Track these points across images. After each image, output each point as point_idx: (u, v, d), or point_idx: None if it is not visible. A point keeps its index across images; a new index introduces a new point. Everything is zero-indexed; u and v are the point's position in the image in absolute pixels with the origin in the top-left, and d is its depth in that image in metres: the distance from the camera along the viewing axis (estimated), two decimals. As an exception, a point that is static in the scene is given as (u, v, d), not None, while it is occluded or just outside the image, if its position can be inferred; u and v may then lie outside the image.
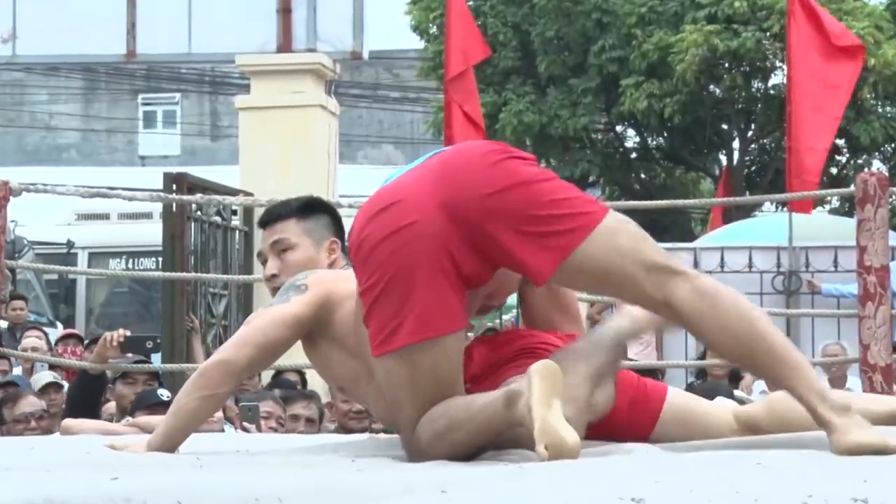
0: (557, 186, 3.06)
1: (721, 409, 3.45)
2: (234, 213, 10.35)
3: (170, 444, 3.29)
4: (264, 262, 3.61)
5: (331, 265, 3.53)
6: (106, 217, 15.83)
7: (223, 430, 6.18)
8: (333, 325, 3.33)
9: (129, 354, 6.63)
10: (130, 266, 14.92)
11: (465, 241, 3.01)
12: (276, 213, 3.62)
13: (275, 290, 3.49)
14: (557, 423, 2.83)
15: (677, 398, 3.36)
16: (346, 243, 3.40)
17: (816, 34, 9.23)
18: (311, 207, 3.63)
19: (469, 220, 3.00)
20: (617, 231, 3.02)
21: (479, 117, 9.61)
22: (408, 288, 3.00)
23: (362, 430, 5.73)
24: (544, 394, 2.84)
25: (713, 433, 3.29)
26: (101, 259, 15.09)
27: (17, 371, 8.25)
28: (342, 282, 3.34)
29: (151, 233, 15.01)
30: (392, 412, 3.17)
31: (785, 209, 11.98)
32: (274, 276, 3.55)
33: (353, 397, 3.52)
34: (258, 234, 12.03)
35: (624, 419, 3.24)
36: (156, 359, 7.86)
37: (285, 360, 8.28)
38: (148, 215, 15.48)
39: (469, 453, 3.04)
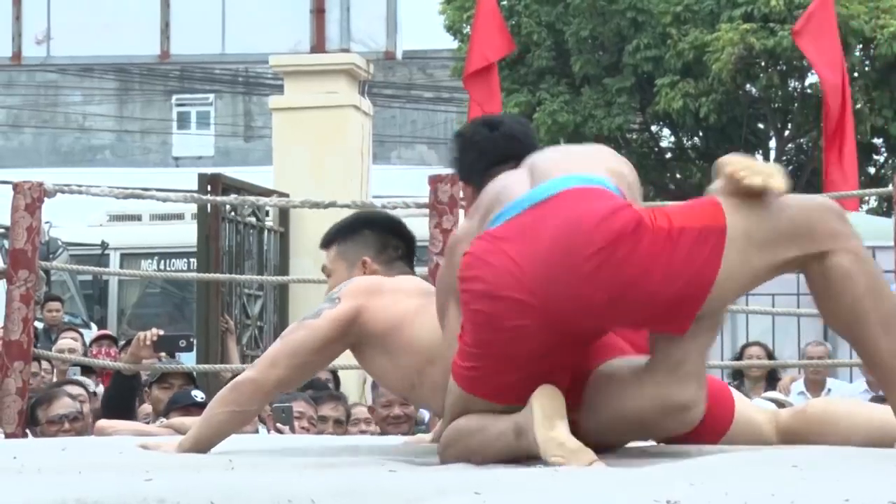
0: (659, 242, 2.91)
1: (760, 410, 3.41)
2: (268, 213, 10.36)
3: (198, 451, 3.40)
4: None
5: None
6: (138, 218, 15.88)
7: (257, 432, 6.18)
8: (374, 337, 3.39)
9: (163, 355, 6.64)
10: (162, 267, 14.96)
11: (576, 342, 3.01)
12: (324, 240, 3.79)
13: None
14: (563, 438, 2.86)
15: (740, 404, 3.33)
16: (391, 252, 3.68)
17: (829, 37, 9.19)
18: (352, 227, 3.72)
19: (582, 329, 2.99)
20: (741, 231, 2.93)
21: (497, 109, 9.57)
22: (503, 366, 3.01)
23: (401, 435, 5.71)
24: (546, 417, 2.89)
25: (752, 434, 3.26)
26: (133, 260, 15.14)
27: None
28: (376, 296, 3.39)
29: (183, 234, 15.05)
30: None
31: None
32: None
33: (416, 402, 3.60)
34: (293, 234, 12.11)
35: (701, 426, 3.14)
36: (189, 358, 7.87)
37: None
38: (180, 216, 15.51)
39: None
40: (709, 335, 3.05)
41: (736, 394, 3.41)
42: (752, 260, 2.93)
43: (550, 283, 2.92)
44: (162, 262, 15.30)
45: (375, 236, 3.67)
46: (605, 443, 3.06)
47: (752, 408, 3.40)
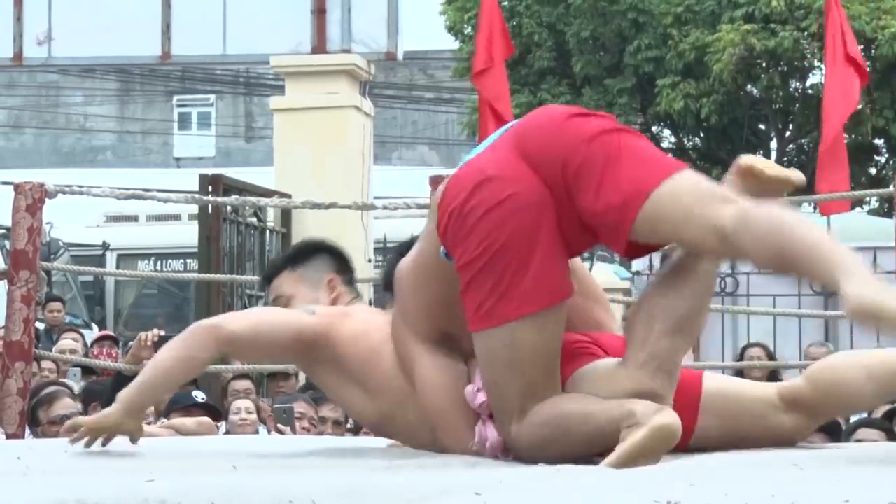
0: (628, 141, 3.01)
1: (763, 386, 3.38)
2: (269, 214, 10.36)
3: (140, 399, 3.30)
4: None
5: (334, 301, 3.52)
6: (135, 219, 15.88)
7: (257, 432, 6.18)
8: (346, 364, 3.30)
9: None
10: (159, 268, 14.97)
11: (561, 205, 2.99)
12: (270, 272, 3.68)
13: None
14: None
15: (712, 382, 3.28)
16: (349, 275, 3.61)
17: (842, 38, 9.19)
18: (301, 253, 3.64)
19: (557, 182, 2.97)
20: (685, 182, 2.99)
21: (509, 116, 9.59)
22: (517, 259, 2.96)
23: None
24: (648, 449, 2.88)
25: (757, 412, 3.22)
26: (130, 261, 15.15)
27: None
28: (348, 320, 3.34)
29: (180, 234, 15.09)
30: (491, 395, 3.08)
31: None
32: None
33: (383, 434, 3.41)
34: (295, 235, 12.12)
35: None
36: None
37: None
38: (177, 217, 15.52)
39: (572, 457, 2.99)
40: (682, 338, 3.07)
41: (721, 377, 3.41)
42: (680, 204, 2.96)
43: (523, 151, 2.99)
44: (159, 262, 15.31)
45: (332, 258, 3.62)
46: None
47: (747, 386, 3.35)
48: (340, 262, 3.62)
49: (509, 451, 3.13)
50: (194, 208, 14.32)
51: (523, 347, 2.99)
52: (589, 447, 2.98)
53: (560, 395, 3.05)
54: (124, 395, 3.29)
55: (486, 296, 2.98)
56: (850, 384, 3.11)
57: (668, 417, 2.90)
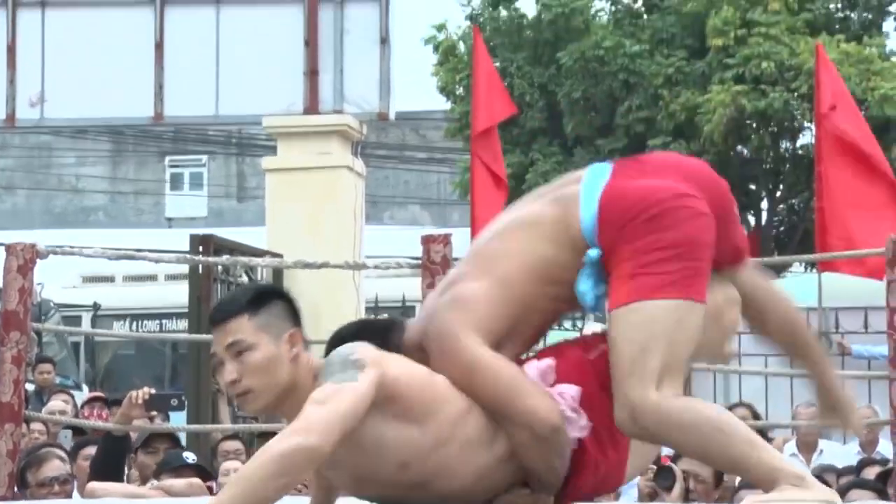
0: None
1: None
2: (260, 274, 10.34)
3: None
4: (219, 366, 3.30)
5: (293, 359, 3.26)
6: (111, 279, 15.85)
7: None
8: (403, 400, 3.21)
9: (155, 413, 6.60)
10: (134, 328, 14.91)
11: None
12: (226, 311, 3.31)
13: (238, 397, 3.27)
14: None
15: None
16: (302, 328, 3.37)
17: (845, 107, 9.21)
18: (261, 298, 3.31)
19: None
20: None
21: (503, 175, 9.61)
22: (706, 261, 3.27)
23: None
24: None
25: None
26: (105, 321, 15.10)
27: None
28: (387, 358, 3.25)
29: (156, 295, 15.09)
30: (626, 355, 3.20)
31: (814, 270, 11.90)
32: (235, 381, 3.25)
33: (420, 472, 3.24)
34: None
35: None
36: (179, 417, 7.82)
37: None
38: (153, 277, 15.51)
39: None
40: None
41: None
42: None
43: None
44: (134, 323, 15.26)
45: (288, 310, 3.33)
46: None
47: None
48: (296, 314, 3.35)
49: (582, 411, 3.26)
50: (172, 268, 14.37)
51: (687, 327, 3.22)
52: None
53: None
54: None
55: (675, 273, 3.21)
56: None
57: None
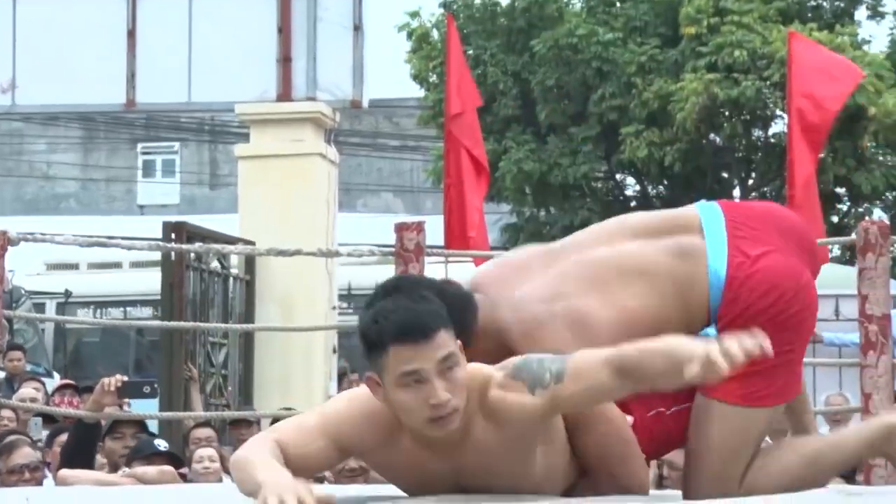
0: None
1: None
2: (233, 261, 10.33)
3: None
4: (420, 383, 3.00)
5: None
6: (75, 267, 15.79)
7: (221, 480, 6.13)
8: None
9: (127, 401, 6.57)
10: (98, 316, 14.86)
11: None
12: (434, 323, 3.01)
13: (443, 419, 3.00)
14: None
15: None
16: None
17: (816, 74, 9.21)
18: (454, 310, 3.12)
19: None
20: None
21: (484, 161, 9.61)
22: (803, 353, 3.41)
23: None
24: None
25: None
26: (70, 309, 15.04)
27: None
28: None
29: (121, 282, 15.06)
30: (721, 463, 3.31)
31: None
32: (448, 400, 3.00)
33: (549, 487, 3.24)
34: (259, 282, 11.96)
35: None
36: (152, 405, 7.79)
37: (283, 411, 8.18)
38: (117, 265, 15.47)
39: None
40: None
41: None
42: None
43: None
44: (98, 310, 15.21)
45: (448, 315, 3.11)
46: None
47: None
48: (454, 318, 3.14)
49: None
50: (137, 256, 14.34)
51: (762, 430, 3.37)
52: (843, 465, 3.52)
53: (778, 446, 3.47)
54: None
55: (782, 380, 3.33)
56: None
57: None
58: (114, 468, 5.89)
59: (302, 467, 2.99)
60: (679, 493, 3.43)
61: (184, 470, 5.97)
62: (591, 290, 3.29)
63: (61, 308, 14.72)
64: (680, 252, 3.33)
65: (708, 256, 3.31)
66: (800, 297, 3.31)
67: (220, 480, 6.14)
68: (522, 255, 3.52)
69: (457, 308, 3.17)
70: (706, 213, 3.40)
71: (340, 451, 3.14)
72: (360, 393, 3.19)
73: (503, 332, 3.29)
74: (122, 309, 15.04)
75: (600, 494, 3.23)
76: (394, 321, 2.99)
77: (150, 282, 14.23)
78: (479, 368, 3.11)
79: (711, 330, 3.29)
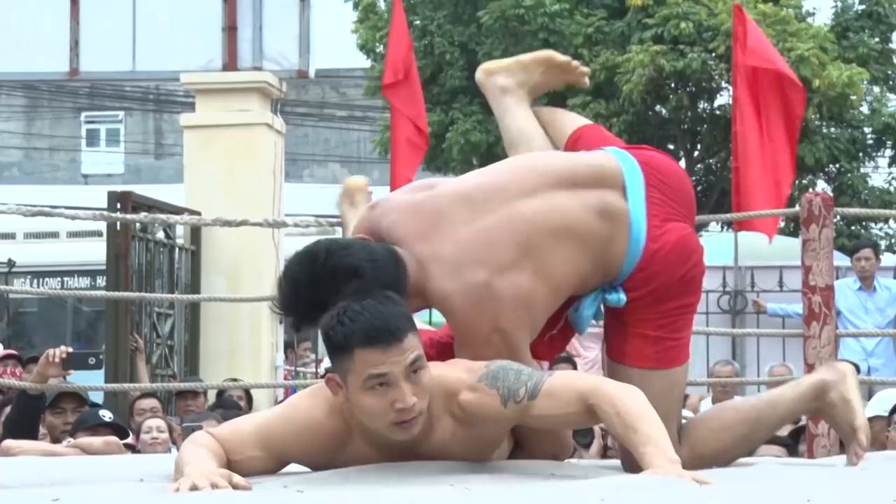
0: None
1: None
2: (178, 231, 10.28)
3: None
4: (386, 386, 2.99)
5: None
6: (12, 237, 15.66)
7: (169, 451, 6.12)
8: None
9: (72, 372, 6.54)
10: (35, 286, 14.75)
11: None
12: (402, 326, 3.00)
13: (406, 423, 3.01)
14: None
15: None
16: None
17: (762, 57, 9.26)
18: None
19: None
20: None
21: (425, 128, 9.59)
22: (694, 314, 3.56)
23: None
24: (856, 391, 3.44)
25: None
26: (8, 280, 14.92)
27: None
28: None
29: (59, 252, 14.95)
30: None
31: (730, 229, 12.03)
32: (414, 404, 3.00)
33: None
34: (205, 252, 11.93)
35: None
36: (97, 376, 7.76)
37: (229, 380, 8.17)
38: (55, 234, 15.36)
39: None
40: None
41: None
42: None
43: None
44: (35, 280, 15.09)
45: None
46: None
47: None
48: None
49: None
50: (75, 225, 14.23)
51: (682, 388, 3.54)
52: (778, 425, 3.64)
53: (722, 405, 3.69)
54: None
55: (687, 336, 3.47)
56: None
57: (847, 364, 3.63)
58: (55, 443, 5.86)
59: (237, 471, 2.96)
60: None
61: (130, 440, 5.96)
62: (527, 258, 3.24)
63: (3, 278, 14.60)
64: (606, 212, 3.34)
65: (630, 222, 3.34)
66: (699, 264, 3.44)
67: (169, 451, 6.13)
68: (435, 198, 3.31)
69: (391, 273, 3.14)
70: (627, 168, 3.39)
71: (278, 461, 3.13)
72: (299, 405, 3.15)
73: (435, 295, 3.22)
74: (59, 279, 14.93)
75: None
76: (361, 325, 2.94)
77: (89, 252, 14.13)
78: (448, 370, 3.10)
79: (621, 296, 3.36)
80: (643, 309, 3.37)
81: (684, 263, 3.40)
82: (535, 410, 3.05)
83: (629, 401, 3.01)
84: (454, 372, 3.10)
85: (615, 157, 3.42)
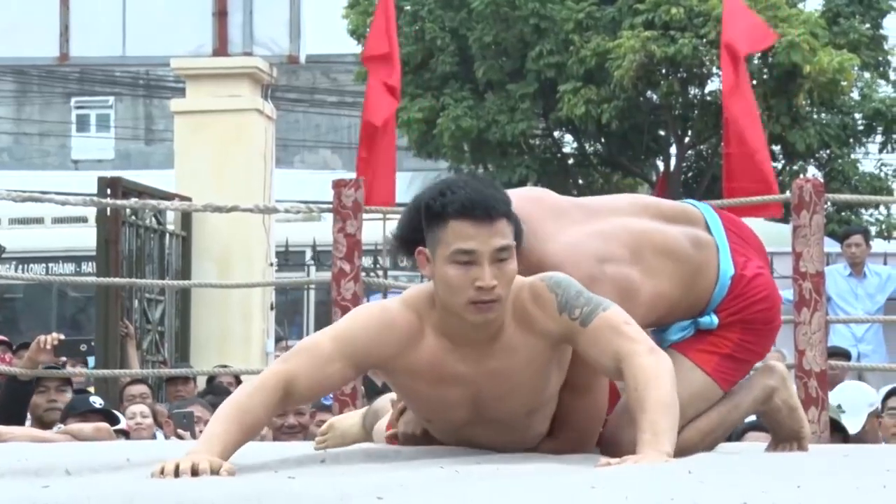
0: None
1: None
2: (169, 217, 10.27)
3: None
4: (471, 263, 3.07)
5: None
6: None
7: (154, 437, 6.12)
8: None
9: (64, 358, 6.54)
10: (20, 272, 14.74)
11: None
12: (500, 208, 3.09)
13: (486, 304, 3.08)
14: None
15: None
16: None
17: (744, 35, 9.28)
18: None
19: None
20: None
21: (397, 90, 9.63)
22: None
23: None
24: (796, 396, 3.66)
25: None
26: None
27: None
28: None
29: (43, 238, 14.92)
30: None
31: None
32: (493, 286, 3.08)
33: (542, 420, 3.38)
34: (195, 238, 11.94)
35: None
36: (89, 362, 7.76)
37: (220, 367, 8.16)
38: (39, 220, 15.33)
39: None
40: None
41: None
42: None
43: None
44: (20, 266, 15.06)
45: None
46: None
47: None
48: None
49: None
50: (59, 211, 14.19)
51: (708, 404, 3.56)
52: (735, 424, 3.73)
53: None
54: None
55: (743, 373, 3.62)
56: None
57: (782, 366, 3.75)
58: (38, 422, 5.85)
59: (317, 392, 3.20)
60: None
61: (123, 426, 5.96)
62: (635, 260, 3.44)
63: (-5, 264, 14.57)
64: (696, 241, 3.54)
65: (718, 252, 3.54)
66: (779, 315, 3.64)
67: (153, 437, 6.14)
68: (555, 199, 3.53)
69: (515, 220, 3.20)
70: (707, 212, 3.63)
71: (356, 368, 3.21)
72: (370, 307, 3.28)
73: (547, 266, 3.31)
74: (44, 265, 14.91)
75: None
76: (461, 196, 3.05)
77: (74, 238, 14.09)
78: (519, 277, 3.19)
79: (713, 318, 3.53)
80: (730, 328, 3.54)
81: (770, 301, 3.59)
82: (580, 339, 3.15)
83: (655, 383, 3.07)
84: (520, 278, 3.19)
85: (691, 204, 3.70)
